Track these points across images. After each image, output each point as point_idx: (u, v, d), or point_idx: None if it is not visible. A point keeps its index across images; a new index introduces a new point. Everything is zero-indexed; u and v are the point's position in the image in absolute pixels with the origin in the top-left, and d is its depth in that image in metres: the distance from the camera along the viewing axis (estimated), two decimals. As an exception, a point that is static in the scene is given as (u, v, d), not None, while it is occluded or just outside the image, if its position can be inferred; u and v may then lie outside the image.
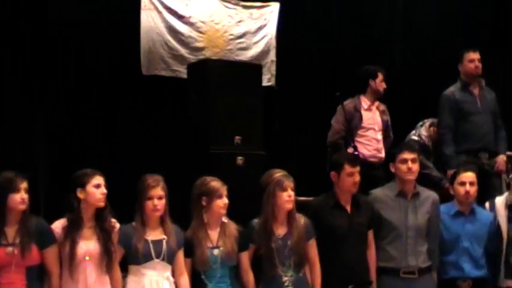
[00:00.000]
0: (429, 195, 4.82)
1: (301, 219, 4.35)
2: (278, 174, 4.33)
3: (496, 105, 6.09)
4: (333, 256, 4.42)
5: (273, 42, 7.41)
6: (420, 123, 6.92)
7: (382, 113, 6.19)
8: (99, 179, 3.97)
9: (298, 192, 4.47)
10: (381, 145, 6.09)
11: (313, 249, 4.37)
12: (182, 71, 6.70)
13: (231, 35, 7.18)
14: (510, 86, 8.44)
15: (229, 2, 7.20)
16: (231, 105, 5.73)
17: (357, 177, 4.56)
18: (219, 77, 5.80)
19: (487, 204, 4.96)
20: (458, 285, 4.74)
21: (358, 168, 4.59)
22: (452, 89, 6.05)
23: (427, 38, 8.41)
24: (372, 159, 5.97)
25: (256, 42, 7.32)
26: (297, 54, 7.60)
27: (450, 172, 5.49)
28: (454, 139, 5.94)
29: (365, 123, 6.02)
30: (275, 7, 7.46)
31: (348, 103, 5.98)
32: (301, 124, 7.49)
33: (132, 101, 6.75)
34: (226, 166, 5.52)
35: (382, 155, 6.04)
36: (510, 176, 6.09)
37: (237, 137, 5.76)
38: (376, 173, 5.76)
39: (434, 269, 4.72)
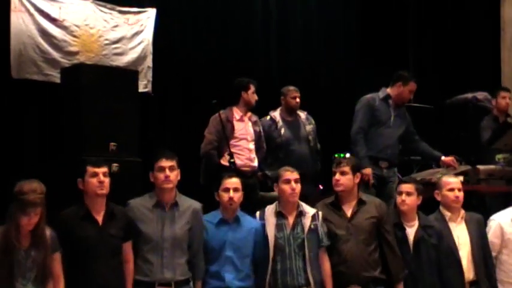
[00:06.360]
0: (190, 205, 4.61)
1: (47, 231, 4.10)
2: (25, 186, 4.02)
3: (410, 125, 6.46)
4: (81, 271, 4.22)
5: (150, 48, 7.37)
6: None
7: (254, 124, 6.34)
8: None
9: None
10: (253, 155, 6.23)
11: (57, 263, 4.12)
12: (55, 76, 6.53)
13: (107, 40, 7.06)
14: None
15: (104, 7, 7.08)
16: (106, 111, 5.65)
17: (105, 180, 4.31)
18: (94, 82, 5.69)
19: (257, 214, 4.85)
20: None
21: (103, 169, 4.34)
22: (374, 96, 6.31)
23: (301, 51, 8.65)
24: (244, 169, 6.07)
25: (132, 48, 7.25)
26: (174, 61, 7.60)
27: (365, 171, 5.78)
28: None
29: (237, 134, 6.14)
30: (152, 13, 7.42)
31: (221, 114, 6.03)
32: (177, 132, 7.50)
33: (1, 105, 6.49)
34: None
35: (255, 164, 6.22)
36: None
37: (112, 144, 5.69)
38: (248, 182, 5.84)
39: (198, 280, 4.57)
